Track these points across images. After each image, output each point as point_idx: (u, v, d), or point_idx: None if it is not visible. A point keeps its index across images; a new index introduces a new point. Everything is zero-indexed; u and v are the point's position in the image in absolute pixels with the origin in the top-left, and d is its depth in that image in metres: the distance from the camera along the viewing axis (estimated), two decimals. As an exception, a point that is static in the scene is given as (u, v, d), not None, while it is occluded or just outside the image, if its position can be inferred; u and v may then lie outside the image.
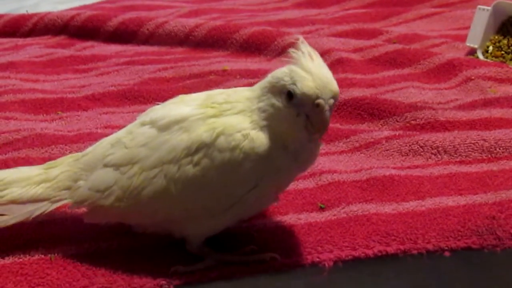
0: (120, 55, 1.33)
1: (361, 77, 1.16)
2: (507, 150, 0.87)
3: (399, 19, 1.55)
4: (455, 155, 0.87)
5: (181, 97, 0.71)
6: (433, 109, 0.98)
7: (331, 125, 0.95)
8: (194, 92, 1.04)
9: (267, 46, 1.30)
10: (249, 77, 1.14)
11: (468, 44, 1.29)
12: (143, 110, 0.99)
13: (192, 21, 1.43)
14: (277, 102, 0.63)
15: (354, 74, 1.17)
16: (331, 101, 0.62)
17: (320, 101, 0.61)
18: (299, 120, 0.63)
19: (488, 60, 1.23)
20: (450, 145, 0.88)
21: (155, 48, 1.39)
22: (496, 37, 1.26)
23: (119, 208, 0.66)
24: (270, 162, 0.64)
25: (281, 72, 0.64)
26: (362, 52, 1.26)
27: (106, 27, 1.46)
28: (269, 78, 0.65)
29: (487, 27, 1.25)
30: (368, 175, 0.83)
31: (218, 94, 0.68)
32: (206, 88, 1.07)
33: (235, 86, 1.07)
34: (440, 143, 0.88)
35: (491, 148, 0.88)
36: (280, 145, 0.64)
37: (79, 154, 0.72)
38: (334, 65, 1.20)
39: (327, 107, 0.62)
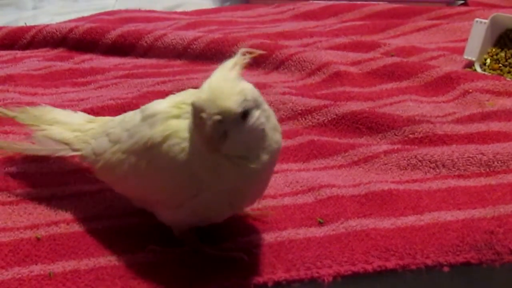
0: (118, 68, 1.33)
1: (359, 90, 1.17)
2: (505, 164, 0.87)
3: (396, 32, 1.55)
4: (453, 169, 0.87)
5: (188, 91, 0.74)
6: (431, 123, 0.98)
7: (329, 138, 0.97)
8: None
9: (265, 59, 1.30)
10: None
11: (465, 57, 1.29)
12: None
13: (190, 34, 1.42)
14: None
15: (352, 88, 1.17)
16: (217, 117, 0.60)
17: (202, 114, 0.61)
18: (195, 132, 0.64)
19: (486, 73, 1.23)
20: (448, 159, 0.88)
21: (153, 61, 1.39)
22: (494, 49, 1.26)
23: (101, 174, 0.76)
24: (203, 175, 0.65)
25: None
26: (360, 65, 1.26)
27: (105, 39, 1.45)
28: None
29: (484, 40, 1.25)
30: (366, 189, 0.83)
31: (193, 94, 0.68)
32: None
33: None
34: (438, 157, 0.88)
35: (489, 162, 0.88)
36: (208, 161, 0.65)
37: (110, 118, 0.82)
38: (332, 79, 1.20)
39: (209, 122, 0.60)
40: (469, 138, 0.95)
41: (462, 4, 1.93)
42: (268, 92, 1.09)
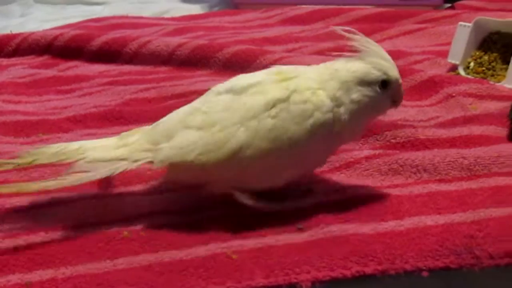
0: (103, 75, 1.33)
1: (343, 95, 1.16)
2: (486, 168, 0.87)
3: (383, 36, 1.56)
4: (435, 174, 0.87)
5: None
6: (414, 127, 0.98)
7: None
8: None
9: (249, 65, 1.30)
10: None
11: (449, 61, 1.30)
12: (124, 131, 1.00)
13: (175, 40, 1.42)
14: (371, 92, 0.76)
15: (336, 92, 1.17)
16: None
17: (400, 80, 0.79)
18: (388, 102, 0.79)
19: (469, 77, 1.23)
20: (430, 164, 0.88)
21: (138, 68, 1.39)
22: (477, 53, 1.26)
23: (200, 162, 0.73)
24: (332, 122, 0.76)
25: (363, 66, 0.76)
26: (344, 70, 1.26)
27: (90, 46, 1.45)
28: (350, 73, 0.76)
29: (468, 44, 1.26)
30: (348, 195, 0.83)
31: (284, 68, 0.79)
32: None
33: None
34: (420, 162, 0.88)
35: (470, 166, 0.88)
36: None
37: (153, 124, 0.80)
38: (317, 83, 1.21)
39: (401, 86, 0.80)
40: (451, 142, 0.95)
41: (449, 8, 1.94)
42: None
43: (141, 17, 1.89)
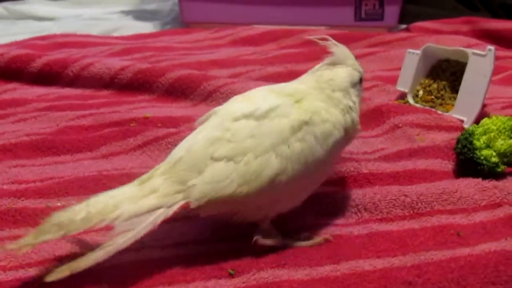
0: (41, 99, 1.27)
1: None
2: (429, 205, 0.84)
3: (333, 59, 1.53)
4: (376, 212, 0.84)
5: (243, 96, 0.81)
6: (357, 161, 0.94)
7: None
8: (111, 141, 1.00)
9: (192, 91, 1.27)
10: (170, 126, 1.10)
11: (398, 88, 1.27)
12: (55, 163, 0.95)
13: (118, 63, 1.37)
14: (359, 90, 0.83)
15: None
16: None
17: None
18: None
19: (417, 106, 1.20)
20: (370, 202, 0.85)
21: (78, 91, 1.34)
22: (426, 81, 1.24)
23: (241, 193, 0.71)
24: (345, 132, 0.79)
25: (347, 71, 0.82)
26: (289, 97, 1.23)
27: (31, 68, 1.40)
28: (343, 82, 0.81)
29: (417, 71, 1.23)
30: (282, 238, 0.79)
31: (282, 88, 0.80)
32: (123, 138, 1.03)
33: (155, 136, 1.03)
34: (360, 201, 0.85)
35: (412, 203, 0.85)
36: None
37: (169, 161, 0.74)
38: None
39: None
40: (395, 177, 0.91)
41: (403, 30, 1.92)
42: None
43: (89, 35, 1.84)
